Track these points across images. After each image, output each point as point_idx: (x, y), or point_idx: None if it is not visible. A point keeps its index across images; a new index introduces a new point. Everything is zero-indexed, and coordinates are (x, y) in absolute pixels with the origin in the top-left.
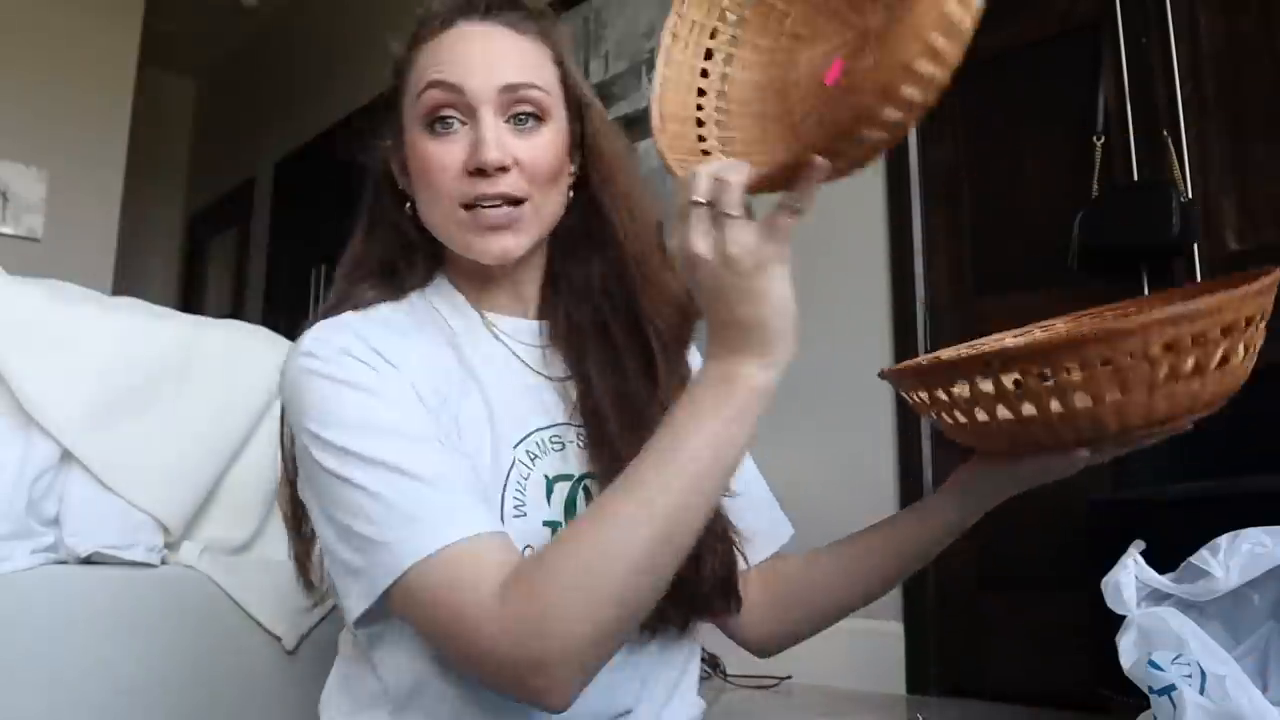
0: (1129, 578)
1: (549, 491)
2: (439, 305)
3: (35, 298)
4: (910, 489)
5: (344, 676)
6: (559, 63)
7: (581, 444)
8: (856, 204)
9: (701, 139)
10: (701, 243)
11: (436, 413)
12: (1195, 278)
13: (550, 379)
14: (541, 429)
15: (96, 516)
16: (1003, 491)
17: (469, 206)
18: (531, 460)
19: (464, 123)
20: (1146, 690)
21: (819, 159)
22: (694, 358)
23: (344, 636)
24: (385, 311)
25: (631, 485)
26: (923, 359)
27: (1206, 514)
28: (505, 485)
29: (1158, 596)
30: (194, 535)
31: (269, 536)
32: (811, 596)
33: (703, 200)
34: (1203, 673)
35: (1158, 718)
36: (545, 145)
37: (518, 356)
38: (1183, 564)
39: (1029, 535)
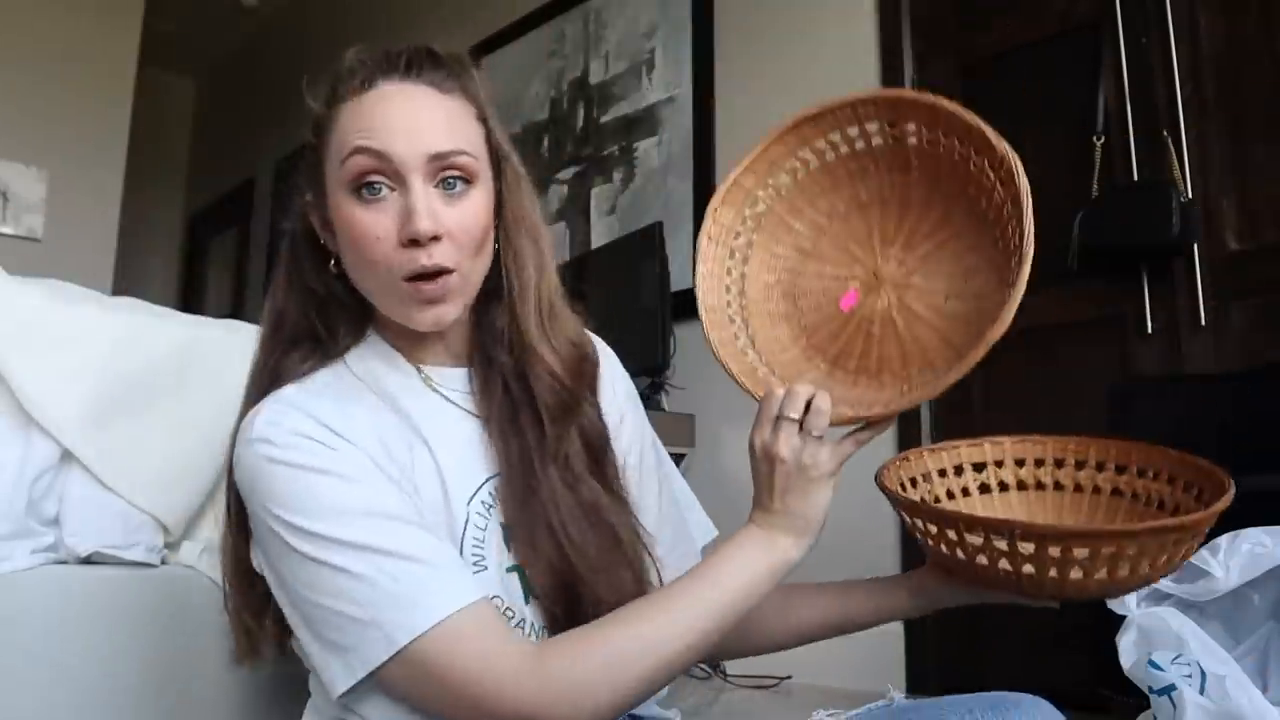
0: None
1: (507, 538)
2: (374, 363)
3: (35, 298)
4: None
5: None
6: (482, 119)
7: None
8: None
9: (736, 336)
10: (785, 449)
11: (398, 482)
12: (1195, 278)
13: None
14: (491, 478)
15: (96, 516)
16: (952, 600)
17: (407, 279)
18: (487, 511)
19: (392, 188)
20: (1146, 690)
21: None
22: (616, 383)
23: (316, 684)
24: (325, 379)
25: (678, 597)
26: (920, 494)
27: None
28: (462, 542)
29: (1158, 596)
30: (194, 535)
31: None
32: (749, 625)
33: (796, 418)
34: (1203, 672)
35: (1158, 717)
36: (474, 211)
37: (458, 407)
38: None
39: None
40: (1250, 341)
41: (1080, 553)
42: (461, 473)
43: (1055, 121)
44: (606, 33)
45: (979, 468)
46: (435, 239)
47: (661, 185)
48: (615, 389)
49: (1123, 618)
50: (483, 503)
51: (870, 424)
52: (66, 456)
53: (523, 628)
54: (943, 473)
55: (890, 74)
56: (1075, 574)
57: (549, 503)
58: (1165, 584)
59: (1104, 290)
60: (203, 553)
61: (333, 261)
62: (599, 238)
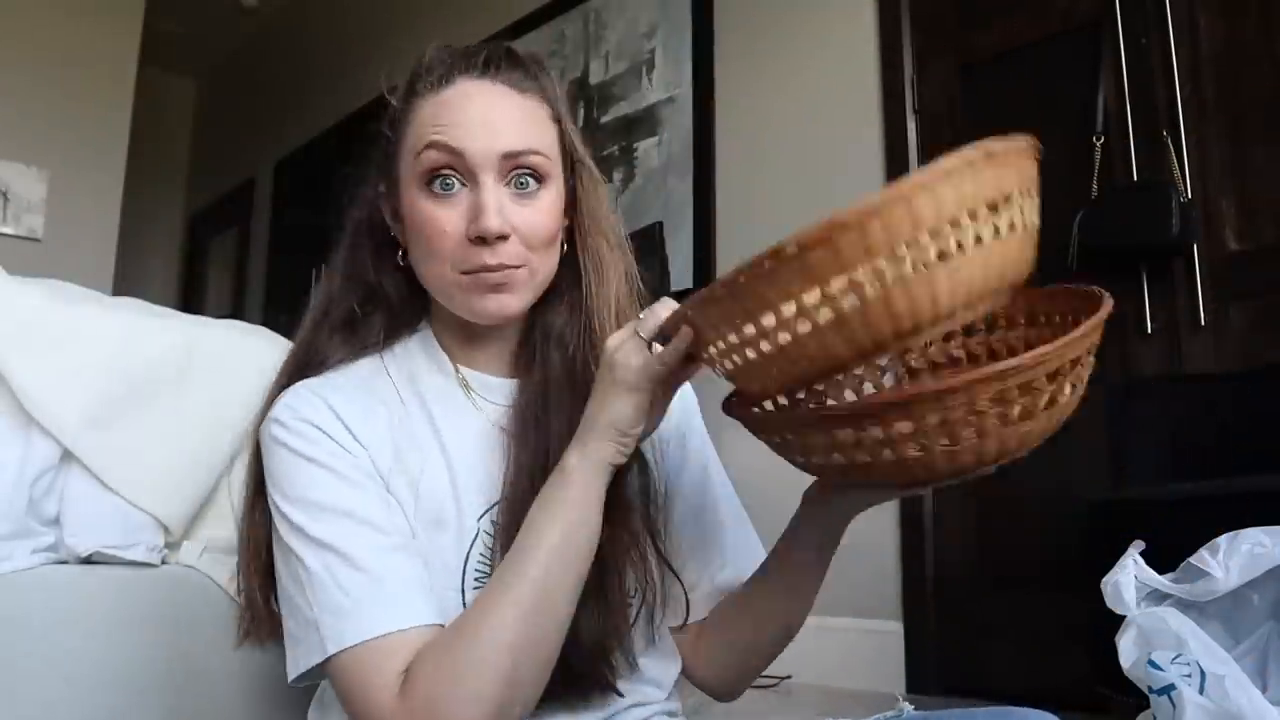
0: (1129, 578)
1: None
2: (417, 360)
3: (35, 298)
4: None
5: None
6: (557, 120)
7: None
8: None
9: None
10: (609, 344)
11: (396, 493)
12: (1195, 278)
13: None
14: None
15: (96, 516)
16: (847, 514)
17: (467, 272)
18: (495, 528)
19: (463, 184)
20: (1146, 690)
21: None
22: (692, 422)
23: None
24: (358, 371)
25: (495, 575)
26: (763, 405)
27: (1206, 514)
28: (467, 558)
29: (1157, 596)
30: (194, 535)
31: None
32: (745, 629)
33: (642, 333)
34: (1202, 672)
35: (1157, 717)
36: (544, 210)
37: (489, 420)
38: (1182, 564)
39: (1029, 535)
40: (1250, 341)
41: (906, 426)
42: (477, 486)
43: (1055, 121)
44: (606, 33)
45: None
46: (502, 238)
47: (661, 185)
48: (672, 409)
49: (1122, 617)
50: (493, 520)
51: (693, 359)
52: (67, 456)
53: None
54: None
55: (890, 74)
56: (938, 445)
57: None
58: (1165, 584)
59: (1104, 290)
60: (203, 553)
61: (401, 254)
62: None
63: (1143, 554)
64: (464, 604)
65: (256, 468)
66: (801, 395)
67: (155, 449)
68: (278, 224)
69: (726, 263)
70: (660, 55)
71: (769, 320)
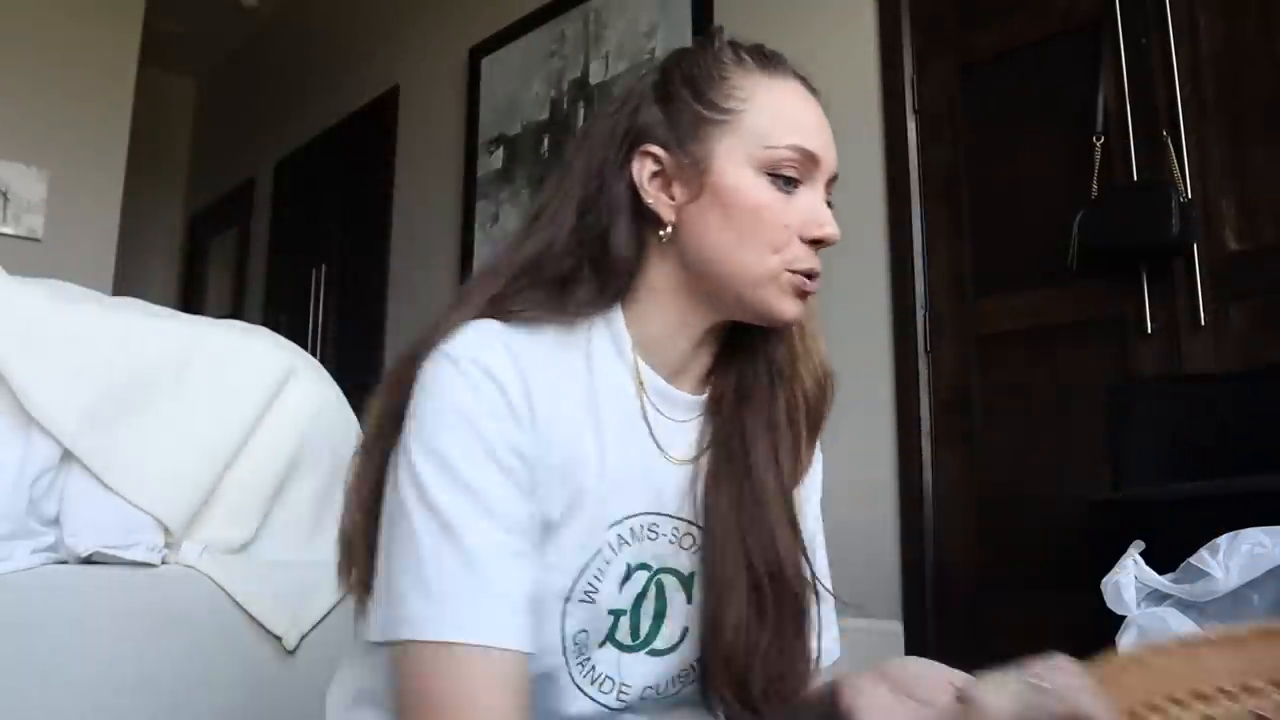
0: (1129, 578)
1: (625, 579)
2: (602, 345)
3: (36, 298)
4: (909, 491)
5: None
6: None
7: (673, 538)
8: (856, 204)
9: None
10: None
11: (545, 477)
12: (1195, 278)
13: (675, 461)
14: (641, 514)
15: (96, 516)
16: None
17: (796, 272)
18: (620, 545)
19: (799, 184)
20: None
21: None
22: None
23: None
24: (548, 339)
25: None
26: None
27: (1206, 514)
28: (586, 566)
29: (1157, 597)
30: (194, 535)
31: (269, 536)
32: None
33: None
34: None
35: None
36: None
37: (650, 429)
38: (1182, 564)
39: (1029, 535)
40: (1250, 341)
41: None
42: (618, 496)
43: (1055, 121)
44: (606, 33)
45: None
46: (827, 246)
47: None
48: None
49: (1123, 618)
50: (620, 536)
51: None
52: (67, 456)
53: (583, 667)
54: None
55: (890, 74)
56: None
57: (755, 557)
58: (1165, 584)
59: (1104, 290)
60: (203, 553)
61: (668, 227)
62: None
63: (1143, 554)
64: (564, 612)
65: (393, 402)
66: None
67: (155, 449)
68: (278, 224)
69: None
70: (660, 55)
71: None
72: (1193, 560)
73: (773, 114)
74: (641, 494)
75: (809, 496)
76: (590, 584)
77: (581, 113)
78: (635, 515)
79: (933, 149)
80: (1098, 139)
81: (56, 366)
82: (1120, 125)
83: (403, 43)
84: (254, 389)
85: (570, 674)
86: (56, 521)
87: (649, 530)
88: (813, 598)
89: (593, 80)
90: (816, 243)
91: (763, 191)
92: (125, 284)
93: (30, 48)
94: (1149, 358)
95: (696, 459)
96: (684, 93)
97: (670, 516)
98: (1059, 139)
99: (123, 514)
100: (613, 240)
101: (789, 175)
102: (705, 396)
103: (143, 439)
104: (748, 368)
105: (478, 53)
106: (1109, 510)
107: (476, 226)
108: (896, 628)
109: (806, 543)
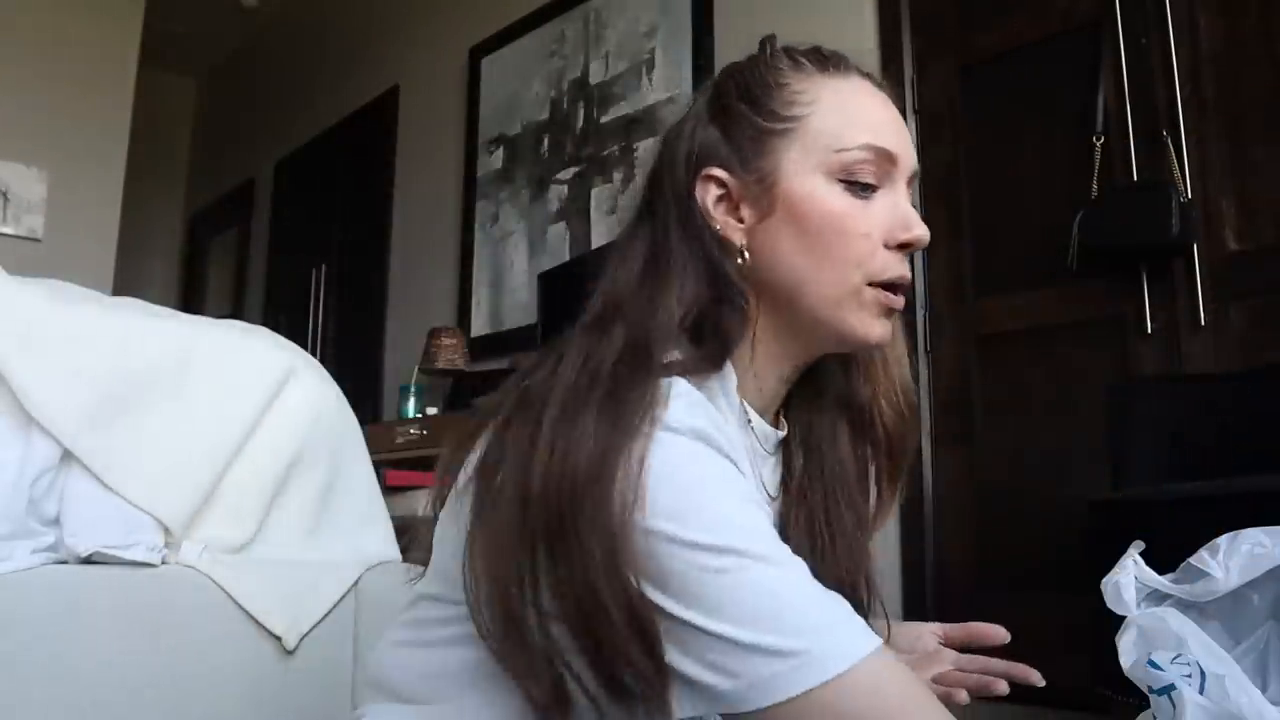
0: (1129, 578)
1: None
2: (714, 387)
3: (36, 298)
4: (909, 491)
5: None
6: None
7: None
8: None
9: None
10: None
11: None
12: (1195, 278)
13: (770, 499)
14: None
15: (96, 516)
16: None
17: (879, 285)
18: None
19: (877, 188)
20: (1146, 690)
21: None
22: None
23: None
24: (701, 400)
25: None
26: None
27: (1206, 514)
28: None
29: (1158, 597)
30: (194, 535)
31: (269, 536)
32: None
33: None
34: (1202, 672)
35: (1157, 718)
36: None
37: (759, 468)
38: (1182, 564)
39: (1029, 535)
40: (1250, 341)
41: None
42: None
43: (1055, 121)
44: (606, 33)
45: None
46: (923, 247)
47: None
48: None
49: (1122, 618)
50: None
51: None
52: (67, 456)
53: None
54: None
55: (890, 74)
56: None
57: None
58: (1165, 584)
59: (1104, 290)
60: (203, 553)
61: (744, 253)
62: (599, 238)
63: (1143, 554)
64: None
65: (619, 471)
66: None
67: (155, 449)
68: (278, 224)
69: None
70: (660, 55)
71: None
72: (1193, 560)
73: (840, 115)
74: None
75: None
76: None
77: (581, 112)
78: None
79: (933, 149)
80: (1098, 139)
81: (56, 366)
82: (1120, 125)
83: (403, 43)
84: (254, 389)
85: None
86: (56, 521)
87: None
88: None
89: (593, 80)
90: (903, 247)
91: (837, 199)
92: (125, 284)
93: (30, 48)
94: (1149, 358)
95: (778, 498)
96: (741, 107)
97: None
98: (1059, 139)
99: (123, 514)
100: (731, 275)
101: (864, 179)
102: (784, 433)
103: (143, 439)
104: (818, 401)
105: (478, 53)
106: (1109, 510)
107: (476, 226)
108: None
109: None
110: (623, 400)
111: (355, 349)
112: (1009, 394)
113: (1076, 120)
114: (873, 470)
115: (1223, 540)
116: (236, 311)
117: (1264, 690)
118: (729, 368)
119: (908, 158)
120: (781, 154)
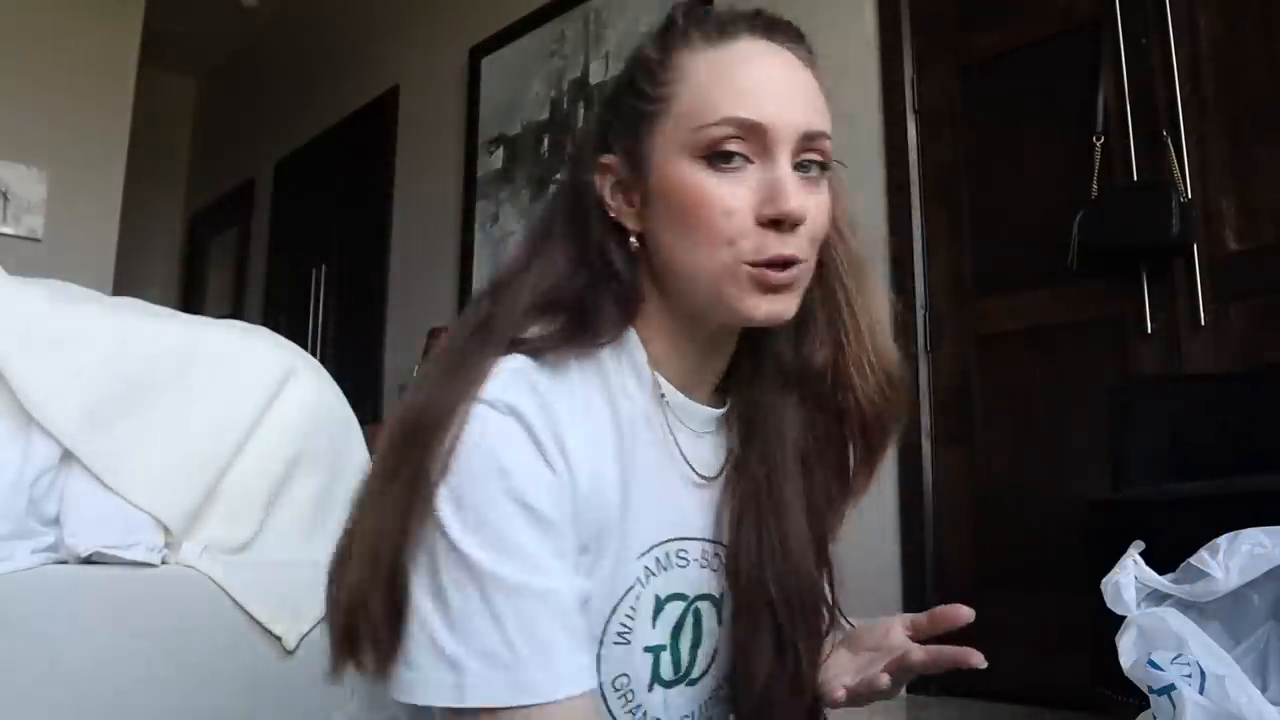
0: (1129, 578)
1: (657, 612)
2: (619, 366)
3: (36, 298)
4: (909, 491)
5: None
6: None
7: (704, 561)
8: (856, 204)
9: None
10: None
11: (585, 518)
12: (1195, 278)
13: (700, 479)
14: (672, 540)
15: (97, 516)
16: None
17: (753, 264)
18: (648, 577)
19: (750, 160)
20: (1146, 690)
21: None
22: None
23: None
24: (575, 375)
25: None
26: None
27: (1206, 514)
28: (616, 607)
29: (1158, 597)
30: (194, 535)
31: (269, 536)
32: None
33: None
34: (1202, 672)
35: (1157, 717)
36: (826, 204)
37: (679, 448)
38: (1182, 564)
39: (1029, 535)
40: (1250, 341)
41: None
42: (645, 526)
43: (1055, 121)
44: (606, 33)
45: None
46: (796, 225)
47: None
48: None
49: (1123, 618)
50: (646, 567)
51: None
52: (67, 456)
53: (634, 715)
54: None
55: (890, 74)
56: None
57: (774, 583)
58: (1165, 584)
59: (1104, 290)
60: (203, 553)
61: (632, 240)
62: None
63: (1143, 554)
64: (599, 656)
65: (428, 445)
66: None
67: (155, 449)
68: (278, 224)
69: None
70: None
71: None
72: (1193, 560)
73: (707, 89)
74: (667, 519)
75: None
76: (624, 624)
77: (581, 112)
78: (662, 543)
79: (933, 149)
80: (1098, 139)
81: (56, 366)
82: (1120, 125)
83: (403, 43)
84: (254, 389)
85: (615, 718)
86: (56, 521)
87: (678, 557)
88: (827, 623)
89: (593, 80)
90: (775, 224)
91: (698, 177)
92: (125, 284)
93: (30, 48)
94: (1149, 358)
95: (719, 477)
96: (626, 90)
97: (698, 539)
98: (1059, 139)
99: (123, 514)
100: (613, 253)
101: (727, 151)
102: (724, 410)
103: (143, 439)
104: (759, 376)
105: (478, 53)
106: (1109, 510)
107: (476, 226)
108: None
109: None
110: (456, 373)
111: (355, 349)
112: (1009, 394)
113: (1076, 120)
114: (853, 449)
115: (1223, 540)
116: (236, 311)
117: (1264, 690)
118: (634, 343)
119: (785, 125)
120: (654, 137)
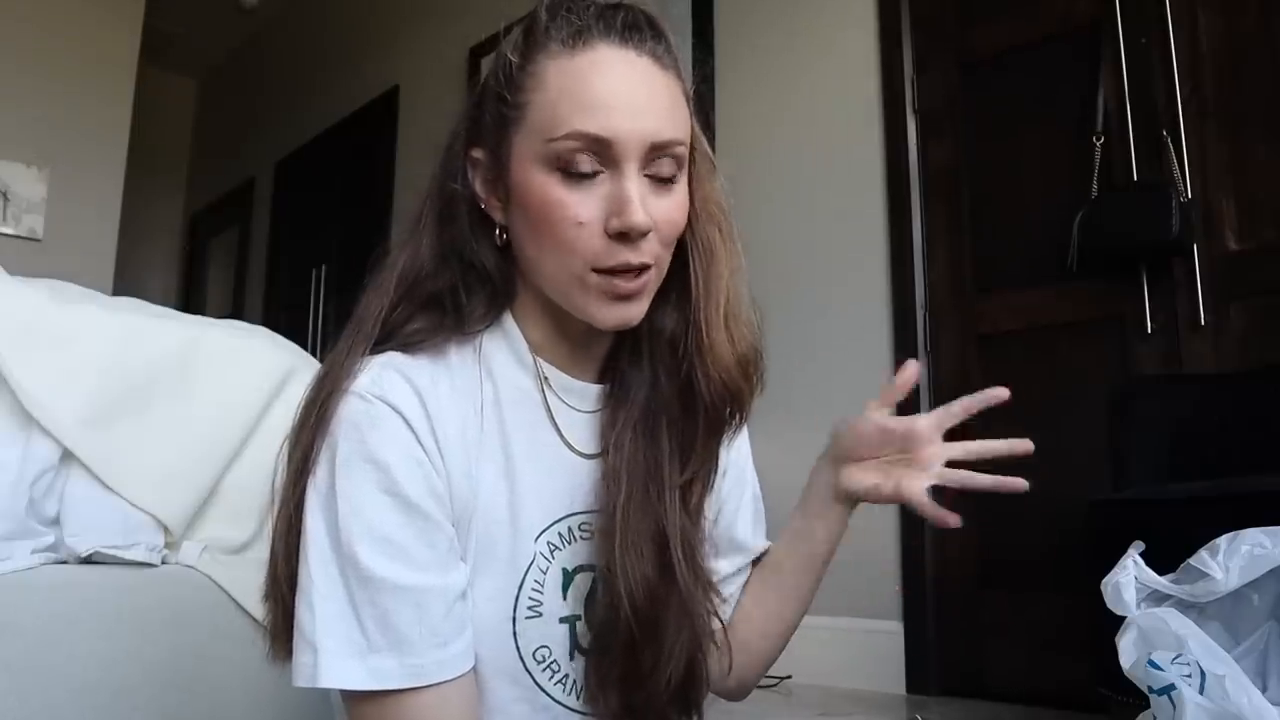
0: (1129, 578)
1: (566, 585)
2: (498, 352)
3: (35, 298)
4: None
5: None
6: (687, 99)
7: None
8: (856, 204)
9: None
10: None
11: (459, 501)
12: (1195, 278)
13: (590, 456)
14: (570, 515)
15: (96, 516)
16: (855, 482)
17: (603, 271)
18: (552, 553)
19: (599, 170)
20: (1146, 690)
21: None
22: (740, 445)
23: None
24: (451, 360)
25: None
26: None
27: (1206, 514)
28: (522, 584)
29: (1158, 597)
30: (194, 535)
31: (269, 537)
32: (766, 619)
33: None
34: (1202, 673)
35: (1157, 717)
36: (680, 204)
37: (558, 429)
38: (1182, 565)
39: (1029, 535)
40: (1250, 341)
41: None
42: (538, 505)
43: (1055, 121)
44: None
45: None
46: (644, 234)
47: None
48: (742, 439)
49: (1123, 618)
50: (549, 543)
51: None
52: (67, 456)
53: (564, 685)
54: None
55: (890, 74)
56: None
57: (646, 553)
58: (1165, 585)
59: (1104, 290)
60: (203, 553)
61: (499, 233)
62: None
63: (1143, 554)
64: (514, 633)
65: (308, 439)
66: None
67: (155, 449)
68: (278, 224)
69: None
70: None
71: None
72: (1193, 561)
73: (557, 100)
74: (560, 497)
75: (733, 472)
76: (532, 598)
77: None
78: (560, 520)
79: (933, 149)
80: (1098, 139)
81: (56, 366)
82: (1120, 125)
83: (403, 43)
84: (254, 389)
85: (543, 689)
86: (56, 521)
87: (581, 530)
88: (704, 596)
89: None
90: (622, 236)
91: (551, 189)
92: (125, 284)
93: (30, 48)
94: (1149, 358)
95: (604, 452)
96: (491, 86)
97: (593, 512)
98: (1059, 139)
99: (123, 514)
100: (473, 247)
101: (579, 168)
102: (606, 386)
103: (143, 439)
104: (632, 357)
105: (478, 53)
106: (1109, 510)
107: None
108: (896, 628)
109: (711, 534)
110: (330, 368)
111: None
112: (1009, 394)
113: (1076, 120)
114: (691, 431)
115: (1223, 540)
116: (236, 311)
117: (1264, 690)
118: (512, 329)
119: (633, 137)
120: (512, 141)
